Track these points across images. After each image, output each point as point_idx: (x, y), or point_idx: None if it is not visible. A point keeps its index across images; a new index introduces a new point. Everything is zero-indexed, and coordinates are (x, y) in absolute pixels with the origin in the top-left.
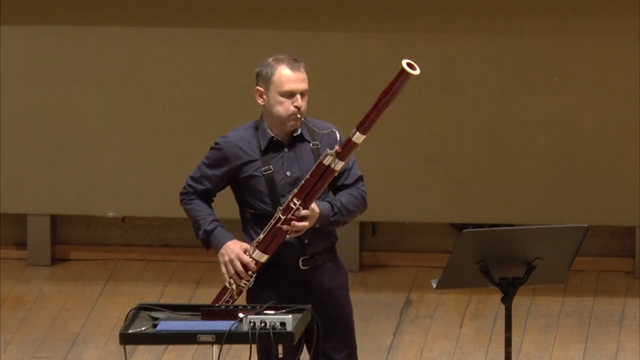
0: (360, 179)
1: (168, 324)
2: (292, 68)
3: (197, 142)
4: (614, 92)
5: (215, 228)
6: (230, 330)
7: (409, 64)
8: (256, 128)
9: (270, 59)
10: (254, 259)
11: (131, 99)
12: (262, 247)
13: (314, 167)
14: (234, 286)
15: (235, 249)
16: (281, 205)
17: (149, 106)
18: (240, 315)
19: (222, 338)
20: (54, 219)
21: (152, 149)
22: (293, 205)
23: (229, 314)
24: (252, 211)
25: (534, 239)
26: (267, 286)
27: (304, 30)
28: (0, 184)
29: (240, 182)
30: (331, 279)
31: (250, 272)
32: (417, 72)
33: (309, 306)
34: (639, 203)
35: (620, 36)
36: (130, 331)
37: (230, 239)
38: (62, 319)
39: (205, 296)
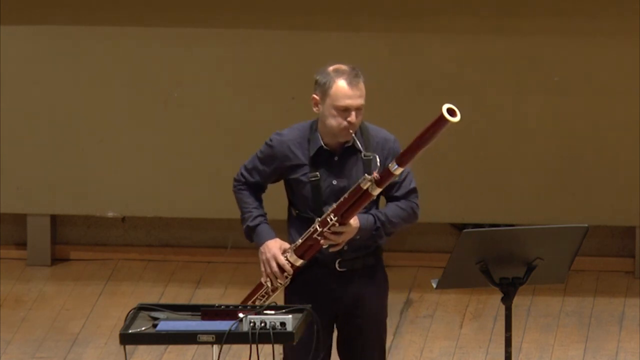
0: (412, 191)
1: (168, 324)
2: (350, 83)
3: (197, 142)
4: (614, 92)
5: (258, 225)
6: (230, 330)
7: (449, 110)
8: (311, 131)
9: (331, 69)
10: (289, 261)
11: (131, 99)
12: (298, 252)
13: (353, 187)
14: (269, 284)
15: (273, 249)
16: (320, 216)
17: (149, 106)
18: (240, 315)
19: (222, 338)
20: (54, 219)
21: (152, 149)
22: (330, 220)
23: (229, 314)
24: (297, 211)
25: (534, 239)
26: (302, 287)
27: (304, 30)
28: (0, 184)
29: (288, 181)
30: (365, 284)
31: (285, 274)
32: (457, 119)
33: (308, 306)
34: (638, 203)
35: (620, 36)
36: (130, 331)
37: (271, 238)
38: (62, 319)
39: (205, 296)
